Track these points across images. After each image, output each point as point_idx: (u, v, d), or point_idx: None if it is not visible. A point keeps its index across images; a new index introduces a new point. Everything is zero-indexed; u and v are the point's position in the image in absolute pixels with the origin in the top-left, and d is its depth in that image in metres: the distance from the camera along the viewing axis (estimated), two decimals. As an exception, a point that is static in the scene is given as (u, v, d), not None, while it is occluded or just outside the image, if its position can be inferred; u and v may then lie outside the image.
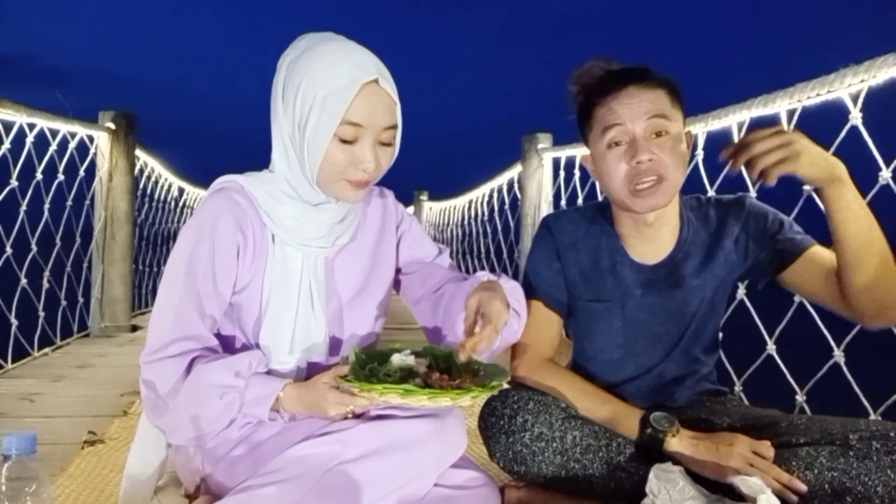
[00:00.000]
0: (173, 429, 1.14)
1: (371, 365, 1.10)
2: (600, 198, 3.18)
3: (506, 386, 1.41)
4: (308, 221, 1.18)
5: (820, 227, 1.91)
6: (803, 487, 1.11)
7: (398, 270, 1.35)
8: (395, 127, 1.12)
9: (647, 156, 1.22)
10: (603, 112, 1.26)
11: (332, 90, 1.06)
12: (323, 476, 1.03)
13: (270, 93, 1.15)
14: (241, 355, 1.13)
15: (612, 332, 1.37)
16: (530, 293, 1.40)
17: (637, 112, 1.23)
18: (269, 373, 1.17)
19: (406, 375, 1.08)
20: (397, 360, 1.10)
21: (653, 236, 1.34)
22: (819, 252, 1.28)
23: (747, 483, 1.06)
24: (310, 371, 1.20)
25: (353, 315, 1.24)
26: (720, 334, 1.43)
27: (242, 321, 1.19)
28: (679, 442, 1.19)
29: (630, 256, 1.36)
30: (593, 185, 3.40)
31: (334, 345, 1.22)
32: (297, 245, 1.18)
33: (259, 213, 1.17)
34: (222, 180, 1.21)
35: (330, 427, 1.09)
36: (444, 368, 1.12)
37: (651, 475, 1.09)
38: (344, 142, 1.09)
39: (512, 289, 1.25)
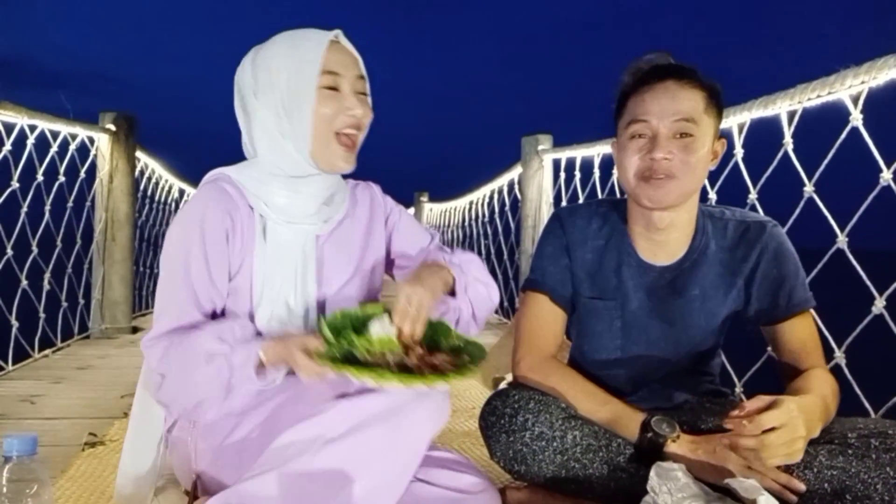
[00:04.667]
0: (172, 400, 1.16)
1: (349, 337, 1.08)
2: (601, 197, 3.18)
3: (505, 384, 1.41)
4: (297, 196, 1.20)
5: (820, 227, 1.92)
6: (802, 487, 1.11)
7: (392, 262, 1.38)
8: (364, 78, 1.20)
9: (662, 154, 1.21)
10: (634, 103, 1.26)
11: (304, 53, 1.14)
12: (311, 460, 1.01)
13: (234, 108, 1.22)
14: (225, 321, 1.15)
15: (611, 333, 1.37)
16: (536, 287, 1.40)
17: (667, 110, 1.22)
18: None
19: (385, 350, 1.06)
20: (376, 329, 1.09)
21: (663, 241, 1.33)
22: (797, 325, 1.30)
23: (743, 486, 1.06)
24: None
25: (344, 297, 1.25)
26: (721, 339, 1.41)
27: (237, 305, 1.21)
28: (679, 447, 1.18)
29: (638, 256, 1.35)
30: (594, 186, 3.41)
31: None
32: (287, 223, 1.20)
33: (247, 197, 1.20)
34: (211, 173, 1.25)
35: (311, 411, 1.07)
36: (425, 341, 1.11)
37: (652, 473, 1.09)
38: (328, 89, 1.15)
39: (468, 262, 1.30)
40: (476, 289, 1.28)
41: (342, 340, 1.08)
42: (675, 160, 1.22)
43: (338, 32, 1.18)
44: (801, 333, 1.31)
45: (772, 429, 1.07)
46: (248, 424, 1.15)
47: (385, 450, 1.02)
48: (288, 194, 1.20)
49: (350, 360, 1.05)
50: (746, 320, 1.36)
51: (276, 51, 1.16)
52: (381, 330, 1.09)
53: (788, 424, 1.07)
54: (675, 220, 1.29)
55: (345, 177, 1.32)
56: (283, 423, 1.10)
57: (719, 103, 1.27)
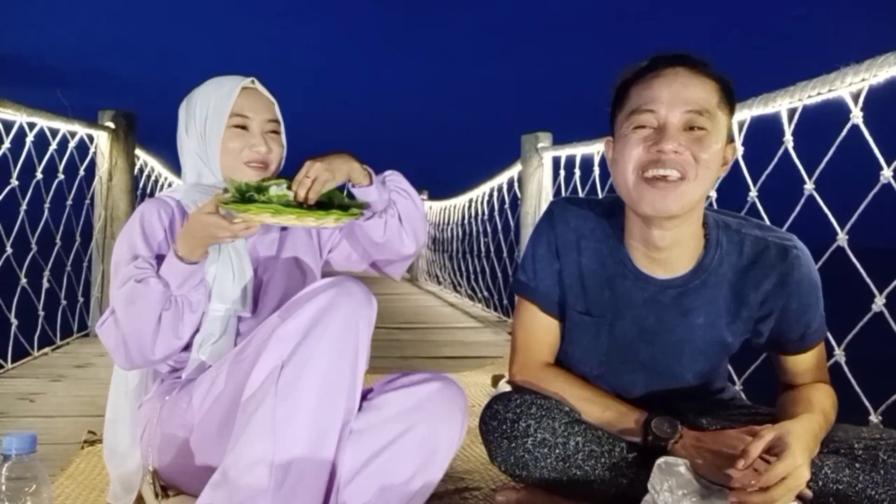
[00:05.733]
0: (128, 340, 1.22)
1: (250, 193, 1.19)
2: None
3: (504, 382, 1.39)
4: None
5: (820, 224, 1.92)
6: (808, 494, 1.07)
7: (329, 248, 1.48)
8: (276, 121, 1.36)
9: (672, 145, 1.06)
10: (640, 90, 1.11)
11: (220, 97, 1.32)
12: (275, 397, 1.05)
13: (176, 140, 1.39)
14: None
15: (596, 349, 1.28)
16: (526, 293, 1.33)
17: (677, 98, 1.07)
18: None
19: (282, 204, 1.17)
20: (274, 190, 1.21)
21: (664, 259, 1.20)
22: (808, 354, 1.25)
23: None
24: (240, 325, 1.31)
25: (281, 282, 1.35)
26: (726, 360, 1.35)
27: None
28: (682, 448, 1.13)
29: (636, 266, 1.22)
30: (594, 184, 3.40)
31: (263, 304, 1.33)
32: None
33: (182, 206, 1.33)
34: None
35: (248, 366, 1.12)
36: (319, 203, 1.20)
37: (655, 469, 1.07)
38: (236, 127, 1.31)
39: (389, 173, 1.38)
40: (399, 202, 1.34)
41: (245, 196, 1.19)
42: (686, 155, 1.07)
43: (253, 79, 1.36)
44: (810, 362, 1.24)
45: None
46: (203, 414, 1.20)
47: (326, 347, 1.07)
48: None
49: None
50: (753, 346, 1.29)
51: (201, 95, 1.34)
52: (278, 191, 1.21)
53: (794, 473, 1.01)
54: (678, 237, 1.16)
55: None
56: (226, 401, 1.16)
57: (732, 101, 1.13)
